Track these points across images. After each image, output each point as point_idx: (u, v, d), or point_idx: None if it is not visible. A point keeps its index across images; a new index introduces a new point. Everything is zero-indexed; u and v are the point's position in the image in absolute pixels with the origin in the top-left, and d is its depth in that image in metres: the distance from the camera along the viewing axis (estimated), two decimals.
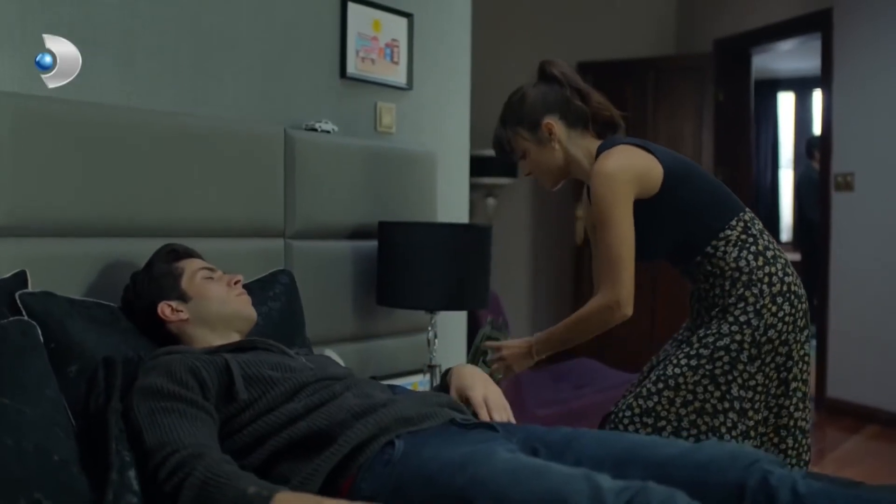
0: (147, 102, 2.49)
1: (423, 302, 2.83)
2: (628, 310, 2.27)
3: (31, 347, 1.75)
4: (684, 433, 2.26)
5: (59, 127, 2.14)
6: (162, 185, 2.36)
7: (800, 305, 2.30)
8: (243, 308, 2.12)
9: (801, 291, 2.32)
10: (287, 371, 1.85)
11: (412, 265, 2.78)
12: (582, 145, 2.41)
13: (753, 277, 2.27)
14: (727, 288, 2.29)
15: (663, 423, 2.27)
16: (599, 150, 2.36)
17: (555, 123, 2.39)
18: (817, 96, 6.23)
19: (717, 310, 2.32)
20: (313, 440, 1.69)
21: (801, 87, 10.21)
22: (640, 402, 2.31)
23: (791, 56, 8.15)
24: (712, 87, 6.29)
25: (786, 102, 10.74)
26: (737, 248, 2.30)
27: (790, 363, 2.29)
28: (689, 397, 2.26)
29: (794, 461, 2.31)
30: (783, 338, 2.26)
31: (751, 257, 2.29)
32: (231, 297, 2.10)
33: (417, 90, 3.41)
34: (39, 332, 1.82)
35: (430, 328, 2.88)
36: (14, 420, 1.57)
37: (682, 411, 2.26)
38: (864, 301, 5.31)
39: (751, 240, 2.31)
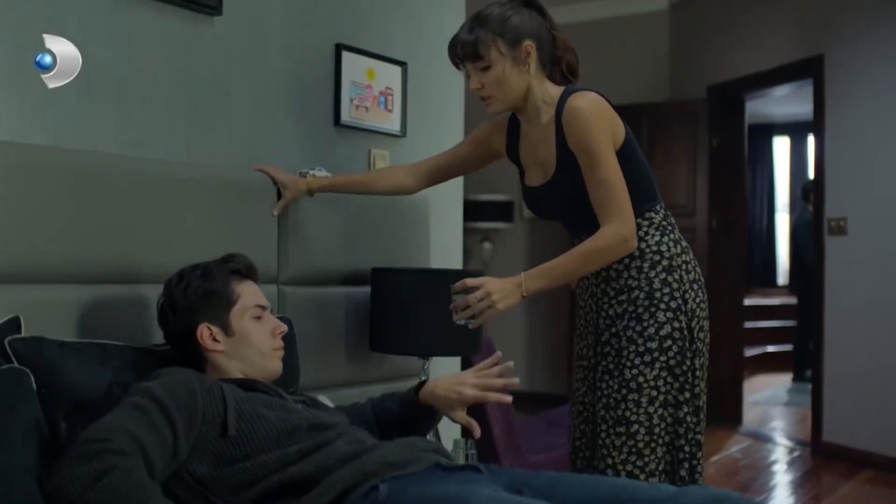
0: (141, 151, 2.52)
1: (416, 348, 2.84)
2: (636, 241, 2.25)
3: (23, 396, 1.77)
4: (657, 429, 2.27)
5: (53, 175, 2.16)
6: (156, 231, 2.37)
7: (704, 296, 2.37)
8: (274, 364, 2.11)
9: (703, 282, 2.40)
10: (281, 410, 1.87)
11: (405, 311, 2.79)
12: (541, 81, 2.36)
13: (673, 263, 2.31)
14: (646, 270, 2.31)
15: (636, 426, 2.27)
16: (567, 93, 2.30)
17: (533, 50, 2.32)
18: (812, 140, 6.28)
19: (641, 295, 2.30)
20: (302, 485, 1.71)
21: (797, 131, 10.30)
22: (611, 412, 2.30)
23: (786, 101, 8.24)
24: (706, 132, 6.36)
25: (781, 146, 10.82)
26: (659, 231, 2.33)
27: (705, 349, 2.34)
28: (654, 393, 2.28)
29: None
30: (701, 324, 2.33)
31: (671, 244, 2.33)
32: (269, 349, 2.09)
33: (411, 137, 3.45)
34: (32, 379, 1.83)
35: (422, 374, 2.89)
36: (3, 470, 1.59)
37: (651, 409, 2.27)
38: (858, 345, 5.31)
39: (670, 227, 2.36)
